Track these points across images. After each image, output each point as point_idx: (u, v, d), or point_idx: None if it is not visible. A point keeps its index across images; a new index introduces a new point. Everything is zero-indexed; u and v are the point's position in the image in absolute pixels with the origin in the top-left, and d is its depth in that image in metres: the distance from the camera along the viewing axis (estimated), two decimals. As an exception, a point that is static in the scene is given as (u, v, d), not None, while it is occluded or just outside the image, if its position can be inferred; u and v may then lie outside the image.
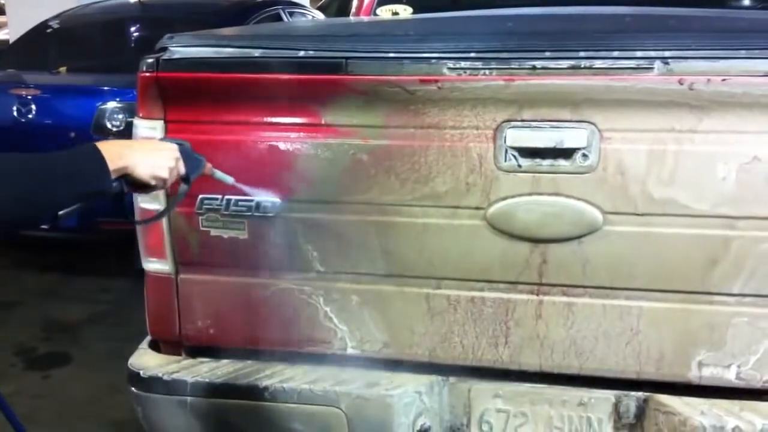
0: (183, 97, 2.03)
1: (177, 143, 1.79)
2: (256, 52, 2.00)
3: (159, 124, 2.03)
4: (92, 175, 1.58)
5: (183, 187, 1.82)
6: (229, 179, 1.94)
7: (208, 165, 1.88)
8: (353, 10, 3.88)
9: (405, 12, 3.72)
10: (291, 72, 1.96)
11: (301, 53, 1.97)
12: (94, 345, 4.37)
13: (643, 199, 1.84)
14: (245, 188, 1.99)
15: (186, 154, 1.79)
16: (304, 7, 9.22)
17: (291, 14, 7.54)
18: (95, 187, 1.60)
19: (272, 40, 2.09)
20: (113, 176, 1.61)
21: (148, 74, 2.01)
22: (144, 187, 1.71)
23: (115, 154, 1.61)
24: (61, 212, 1.58)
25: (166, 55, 2.01)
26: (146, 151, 1.70)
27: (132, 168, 1.64)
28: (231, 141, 2.01)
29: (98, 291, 5.09)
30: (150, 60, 2.01)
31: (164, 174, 1.70)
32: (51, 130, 5.33)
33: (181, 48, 2.02)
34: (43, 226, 1.73)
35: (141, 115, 2.06)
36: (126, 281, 4.78)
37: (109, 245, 5.18)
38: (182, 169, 1.77)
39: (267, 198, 1.99)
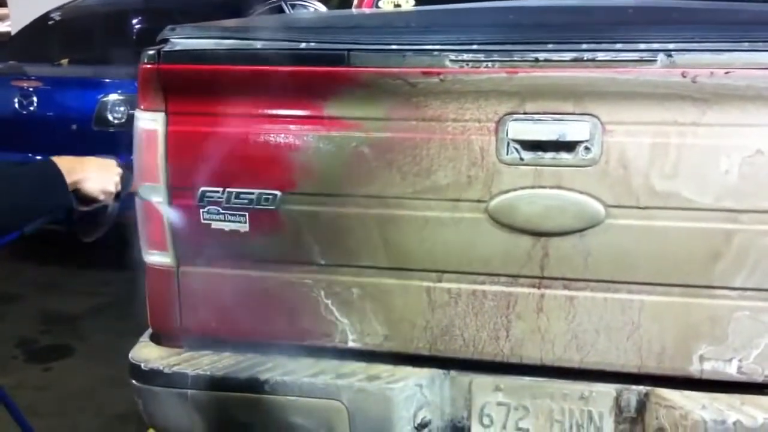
0: (184, 89, 2.02)
1: (114, 160, 1.85)
2: (258, 44, 1.99)
3: (160, 116, 2.03)
4: (53, 189, 1.64)
5: (114, 204, 1.87)
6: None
7: (135, 182, 1.95)
8: (355, 1, 3.87)
9: (407, 4, 3.71)
10: (293, 64, 1.95)
11: (303, 45, 1.97)
12: (94, 337, 4.38)
13: (646, 193, 1.84)
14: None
15: (122, 172, 1.86)
16: (307, -1, 9.19)
17: (293, 6, 7.53)
18: (56, 200, 1.65)
19: (274, 32, 2.08)
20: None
21: (149, 66, 2.00)
22: (92, 201, 1.74)
23: (69, 169, 1.67)
24: (26, 228, 1.65)
25: (167, 47, 2.01)
26: (96, 167, 1.77)
27: (83, 183, 1.69)
28: (232, 133, 2.01)
29: (99, 283, 5.09)
30: (151, 52, 2.00)
31: (112, 189, 1.77)
32: (53, 122, 5.33)
33: (182, 40, 2.02)
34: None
35: (142, 106, 2.06)
36: (126, 274, 4.78)
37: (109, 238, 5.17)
38: (119, 186, 1.84)
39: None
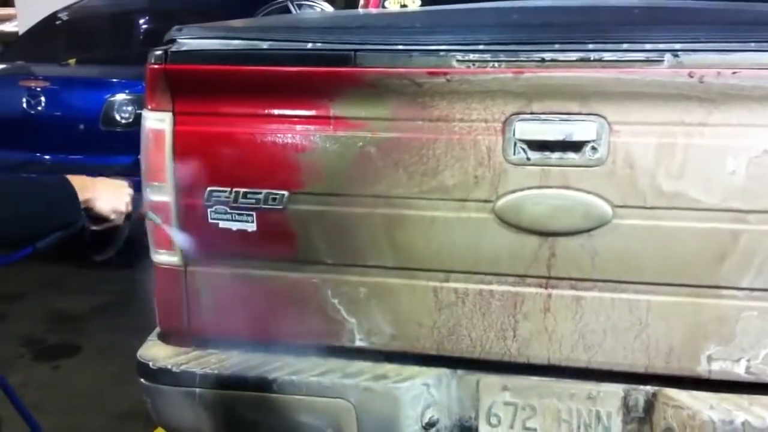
0: (191, 89, 2.03)
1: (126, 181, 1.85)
2: (265, 44, 2.00)
3: (168, 116, 2.04)
4: (66, 204, 1.64)
5: (126, 224, 1.87)
6: (158, 220, 2.00)
7: (144, 205, 1.96)
8: (362, 2, 3.87)
9: (413, 4, 3.71)
10: (299, 64, 1.96)
11: (310, 45, 1.97)
12: (101, 336, 4.39)
13: (653, 193, 1.83)
14: (170, 230, 2.04)
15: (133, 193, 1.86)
16: (313, -1, 9.18)
17: (299, 6, 7.52)
18: (68, 216, 1.65)
19: (281, 32, 2.09)
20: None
21: (156, 66, 2.01)
22: (104, 221, 1.74)
23: (81, 187, 1.68)
24: (38, 243, 1.65)
25: (174, 47, 2.01)
26: (107, 187, 1.78)
27: (94, 202, 1.70)
28: (239, 133, 2.01)
29: (103, 282, 5.10)
30: (159, 52, 2.01)
31: (123, 209, 1.77)
32: (60, 122, 5.34)
33: (189, 40, 2.02)
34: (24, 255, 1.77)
35: (150, 107, 2.06)
36: (131, 272, 4.79)
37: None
38: (130, 206, 1.84)
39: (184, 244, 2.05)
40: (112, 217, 1.75)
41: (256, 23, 3.14)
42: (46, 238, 1.69)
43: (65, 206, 1.65)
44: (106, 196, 1.74)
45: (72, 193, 1.66)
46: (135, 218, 1.88)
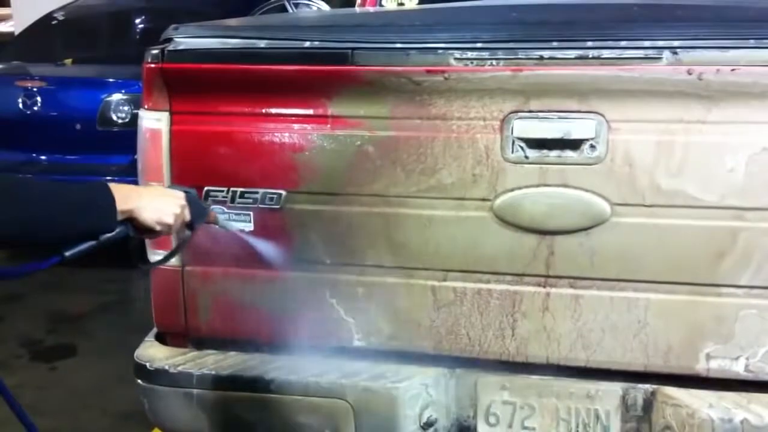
0: (188, 89, 2.02)
1: (183, 191, 1.80)
2: (262, 43, 1.99)
3: (164, 116, 2.03)
4: (98, 210, 1.58)
5: (186, 233, 1.82)
6: (233, 227, 1.96)
7: (213, 213, 1.90)
8: (358, 0, 3.86)
9: (410, 2, 3.70)
10: (297, 63, 1.95)
11: (307, 44, 1.96)
12: (99, 336, 4.38)
13: (651, 191, 1.83)
14: (249, 239, 2.00)
15: (192, 202, 1.80)
16: (309, -3, 9.18)
17: (296, 5, 7.52)
18: (98, 223, 1.59)
19: (278, 31, 2.08)
20: (119, 217, 1.61)
21: (153, 65, 2.00)
22: (149, 232, 1.70)
23: (124, 196, 1.62)
24: (68, 252, 1.58)
25: (171, 46, 2.00)
26: (153, 197, 1.71)
27: (138, 212, 1.64)
28: (236, 132, 2.01)
29: (102, 282, 5.09)
30: (155, 51, 2.00)
31: (169, 220, 1.70)
32: (56, 122, 5.33)
33: (186, 39, 2.02)
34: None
35: (146, 106, 2.06)
36: (130, 272, 4.78)
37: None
38: (187, 216, 1.78)
39: (267, 255, 2.01)
40: (157, 228, 1.69)
41: (253, 22, 3.14)
42: (77, 246, 1.60)
43: (95, 213, 1.58)
44: (151, 206, 1.65)
45: (107, 201, 1.58)
46: (198, 227, 1.82)
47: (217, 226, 1.97)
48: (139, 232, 1.68)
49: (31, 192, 1.50)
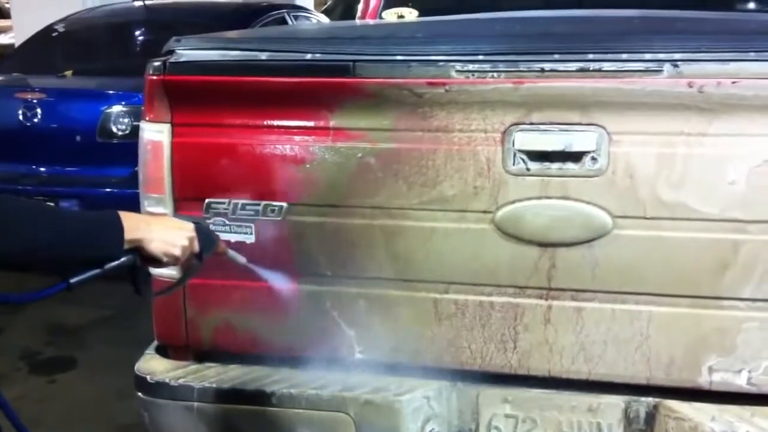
0: (190, 100, 2.02)
1: (194, 221, 1.79)
2: (263, 55, 1.99)
3: (166, 128, 2.03)
4: (104, 238, 1.58)
5: (195, 263, 1.81)
6: (242, 259, 1.94)
7: (222, 244, 1.88)
8: (359, 13, 3.87)
9: (410, 15, 3.71)
10: (298, 75, 1.95)
11: (309, 56, 1.96)
12: (99, 349, 4.37)
13: (653, 203, 1.83)
14: (257, 269, 1.99)
15: (201, 233, 1.78)
16: (309, 10, 9.23)
17: (296, 18, 7.54)
18: (103, 250, 1.60)
19: (279, 43, 2.09)
20: (126, 246, 1.61)
21: (154, 77, 2.00)
22: (156, 262, 1.70)
23: (133, 226, 1.62)
24: (73, 280, 1.59)
25: (172, 58, 2.01)
26: (162, 228, 1.70)
27: (146, 242, 1.64)
28: (238, 144, 2.01)
29: (102, 295, 5.05)
30: (157, 63, 2.00)
31: (177, 252, 1.69)
32: (56, 133, 5.32)
33: (187, 51, 2.02)
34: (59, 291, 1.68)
35: (148, 118, 2.06)
36: (129, 286, 4.77)
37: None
38: (196, 248, 1.76)
39: (277, 282, 2.01)
40: (164, 260, 1.69)
41: (255, 34, 3.14)
42: (83, 273, 1.60)
43: (101, 240, 1.57)
44: (159, 237, 1.65)
45: (115, 229, 1.58)
46: (206, 258, 1.82)
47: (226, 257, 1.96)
48: (145, 261, 1.68)
49: (39, 217, 1.50)
